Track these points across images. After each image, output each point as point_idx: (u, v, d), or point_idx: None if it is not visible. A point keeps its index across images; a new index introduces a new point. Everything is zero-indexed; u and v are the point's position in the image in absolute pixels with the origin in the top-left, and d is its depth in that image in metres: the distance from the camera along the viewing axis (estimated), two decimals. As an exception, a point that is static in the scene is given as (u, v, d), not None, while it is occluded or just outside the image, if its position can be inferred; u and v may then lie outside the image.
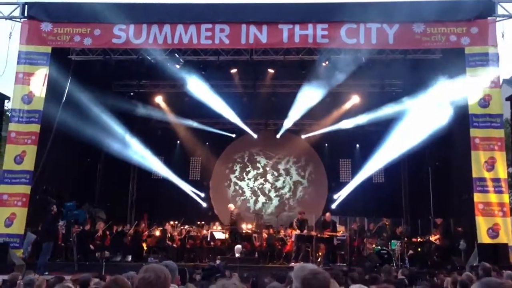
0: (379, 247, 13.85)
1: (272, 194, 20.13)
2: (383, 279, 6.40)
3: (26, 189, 12.37)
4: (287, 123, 18.25)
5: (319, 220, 15.28)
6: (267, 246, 14.77)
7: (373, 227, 15.46)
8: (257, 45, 13.11)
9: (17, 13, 12.99)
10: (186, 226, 15.47)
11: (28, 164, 12.48)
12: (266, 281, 6.05)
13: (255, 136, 19.81)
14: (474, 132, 12.15)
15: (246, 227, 15.70)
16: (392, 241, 14.02)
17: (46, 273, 10.50)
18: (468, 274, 6.98)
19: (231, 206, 15.69)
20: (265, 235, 15.13)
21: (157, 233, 15.00)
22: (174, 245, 14.55)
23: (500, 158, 11.98)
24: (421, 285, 6.21)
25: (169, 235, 14.65)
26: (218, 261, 12.91)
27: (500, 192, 11.85)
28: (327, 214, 14.96)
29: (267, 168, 20.35)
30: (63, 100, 13.27)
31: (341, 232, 14.56)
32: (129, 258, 13.93)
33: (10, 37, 12.93)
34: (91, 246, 13.77)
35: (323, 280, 2.79)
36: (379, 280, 5.92)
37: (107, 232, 14.41)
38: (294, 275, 3.06)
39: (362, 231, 15.35)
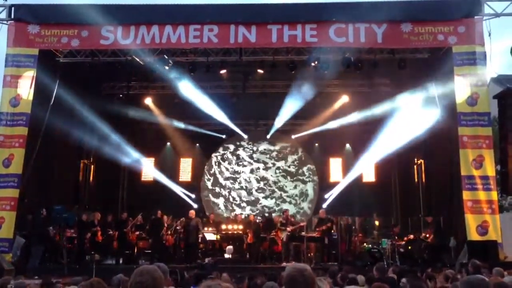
0: (370, 245, 13.90)
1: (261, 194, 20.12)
2: (377, 277, 6.43)
3: (14, 192, 12.21)
4: (277, 123, 18.30)
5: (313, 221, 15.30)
6: (254, 243, 14.57)
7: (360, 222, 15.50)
8: (246, 45, 13.12)
9: (3, 15, 12.84)
10: (179, 222, 15.17)
11: (16, 167, 12.32)
12: (259, 282, 6.05)
13: (245, 136, 19.84)
14: (462, 131, 12.22)
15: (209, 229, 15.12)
16: (383, 239, 14.09)
17: (36, 277, 10.40)
18: (451, 271, 7.07)
19: (192, 212, 15.22)
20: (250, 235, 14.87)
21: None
22: (167, 244, 14.49)
23: (488, 156, 12.06)
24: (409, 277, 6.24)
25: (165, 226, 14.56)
26: (207, 259, 12.91)
27: (488, 189, 11.93)
28: (321, 211, 15.00)
29: (257, 169, 20.34)
30: (51, 102, 13.16)
31: (333, 231, 14.57)
32: (120, 260, 13.83)
33: (-4, 40, 12.81)
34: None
35: (309, 277, 2.78)
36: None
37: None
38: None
39: (350, 229, 15.39)
